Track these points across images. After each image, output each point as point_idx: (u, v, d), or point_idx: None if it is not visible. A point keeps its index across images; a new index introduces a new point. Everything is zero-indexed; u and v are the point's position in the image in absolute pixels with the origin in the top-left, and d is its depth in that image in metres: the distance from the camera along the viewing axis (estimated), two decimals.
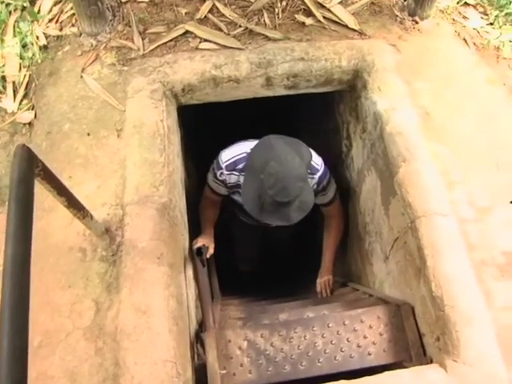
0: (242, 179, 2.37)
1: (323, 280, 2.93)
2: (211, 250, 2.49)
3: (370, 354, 1.93)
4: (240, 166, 2.36)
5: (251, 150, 2.29)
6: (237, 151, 2.38)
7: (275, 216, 2.18)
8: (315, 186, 2.46)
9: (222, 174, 2.40)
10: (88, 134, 2.18)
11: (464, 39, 2.70)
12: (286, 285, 3.82)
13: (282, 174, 2.03)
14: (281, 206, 2.11)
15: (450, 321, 1.74)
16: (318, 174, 2.44)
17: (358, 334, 1.96)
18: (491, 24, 2.80)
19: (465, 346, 1.69)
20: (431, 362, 1.86)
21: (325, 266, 2.94)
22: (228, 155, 2.38)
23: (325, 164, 2.49)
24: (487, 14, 2.86)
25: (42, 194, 1.66)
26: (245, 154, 2.34)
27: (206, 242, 2.44)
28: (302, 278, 3.69)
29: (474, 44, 2.70)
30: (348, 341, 1.94)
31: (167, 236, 1.91)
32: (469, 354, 1.68)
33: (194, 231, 2.58)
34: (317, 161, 2.45)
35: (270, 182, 2.03)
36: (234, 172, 2.38)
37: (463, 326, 1.72)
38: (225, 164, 2.37)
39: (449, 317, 1.75)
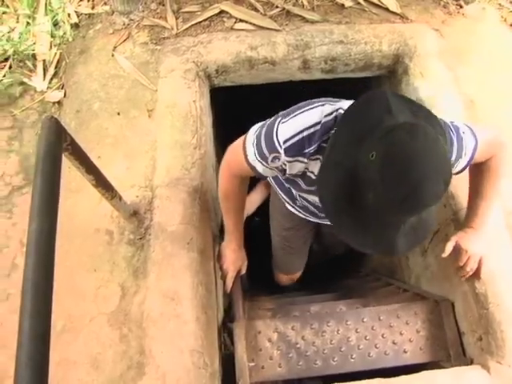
0: (313, 166, 1.41)
1: (474, 253, 1.70)
2: (244, 269, 2.03)
3: (405, 352, 1.83)
4: (312, 148, 1.33)
5: (345, 109, 1.25)
6: (306, 122, 1.32)
7: (373, 238, 1.18)
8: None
9: (276, 158, 1.38)
10: (118, 114, 2.12)
11: (511, 25, 2.58)
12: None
13: (415, 160, 1.03)
14: (390, 223, 1.13)
15: (495, 320, 1.65)
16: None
17: (394, 330, 1.86)
18: None
19: (511, 348, 1.59)
20: (471, 362, 1.76)
21: (477, 225, 1.69)
22: (291, 130, 1.33)
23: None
24: None
25: (68, 174, 1.62)
26: (319, 127, 1.31)
27: (238, 262, 1.97)
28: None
29: None
30: (383, 337, 1.85)
31: (198, 221, 1.83)
32: None
33: None
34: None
35: (390, 172, 1.03)
36: (301, 158, 1.37)
37: (509, 326, 1.62)
38: (285, 146, 1.34)
39: (493, 315, 1.66)
